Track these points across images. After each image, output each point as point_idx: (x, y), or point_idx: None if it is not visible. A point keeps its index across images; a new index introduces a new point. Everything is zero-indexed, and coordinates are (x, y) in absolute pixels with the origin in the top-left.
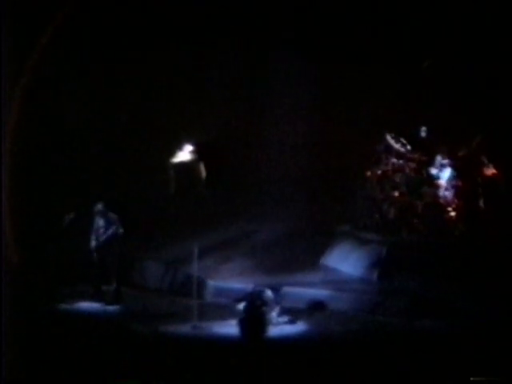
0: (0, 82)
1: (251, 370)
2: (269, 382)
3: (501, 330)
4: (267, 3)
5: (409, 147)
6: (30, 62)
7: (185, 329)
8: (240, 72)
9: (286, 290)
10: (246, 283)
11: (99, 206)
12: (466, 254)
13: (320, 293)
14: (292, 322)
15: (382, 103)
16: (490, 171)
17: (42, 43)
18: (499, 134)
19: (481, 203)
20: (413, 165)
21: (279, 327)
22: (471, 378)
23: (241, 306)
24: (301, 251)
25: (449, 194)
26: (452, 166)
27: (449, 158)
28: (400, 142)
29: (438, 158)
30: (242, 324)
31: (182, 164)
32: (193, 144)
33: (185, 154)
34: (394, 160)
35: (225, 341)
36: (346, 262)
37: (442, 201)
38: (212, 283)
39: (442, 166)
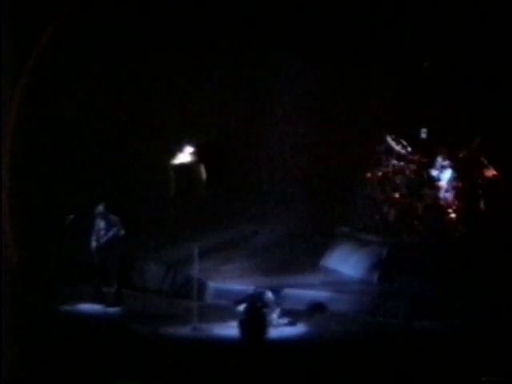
0: (0, 82)
1: (251, 372)
2: (269, 383)
3: (501, 330)
4: (267, 3)
5: (409, 149)
6: (29, 62)
7: (185, 330)
8: (240, 72)
9: (287, 291)
10: (246, 285)
11: (100, 208)
12: (466, 255)
13: (320, 294)
14: (292, 323)
15: (382, 104)
16: (491, 172)
17: (41, 43)
18: (499, 135)
19: (481, 205)
20: (413, 166)
21: (279, 329)
22: (482, 379)
23: (241, 307)
24: (301, 253)
25: (449, 196)
26: (452, 167)
27: (449, 159)
28: (400, 143)
29: (439, 160)
30: (243, 325)
31: (183, 165)
32: (193, 145)
33: (185, 156)
34: (395, 161)
35: (225, 342)
36: (347, 263)
37: (442, 202)
38: (212, 285)
39: (443, 168)
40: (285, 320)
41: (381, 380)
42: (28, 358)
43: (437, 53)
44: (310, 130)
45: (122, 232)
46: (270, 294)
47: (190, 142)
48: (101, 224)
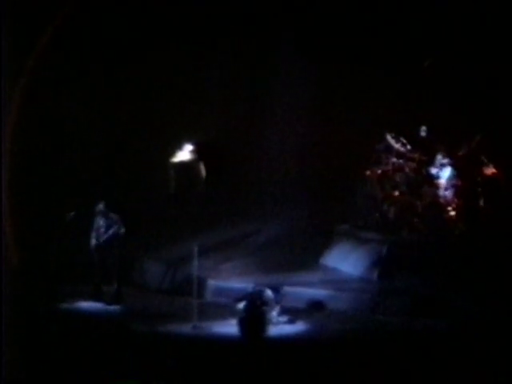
0: (0, 82)
1: (251, 370)
2: (269, 381)
3: (501, 328)
4: (267, 3)
5: (409, 147)
6: (29, 62)
7: (185, 328)
8: (240, 72)
9: (286, 289)
10: (246, 283)
11: (100, 206)
12: (466, 253)
13: (320, 292)
14: (292, 321)
15: (382, 103)
16: (490, 170)
17: (42, 43)
18: (499, 133)
19: (481, 202)
20: (413, 164)
21: (279, 327)
22: None
23: (241, 305)
24: (301, 251)
25: (449, 194)
26: (452, 165)
27: (449, 157)
28: (400, 141)
29: (438, 158)
30: (242, 323)
31: (182, 164)
32: (193, 144)
33: (185, 154)
34: (394, 159)
35: (225, 340)
36: (346, 261)
37: (442, 200)
38: (212, 283)
39: (442, 166)
40: (284, 318)
41: (381, 378)
42: (28, 357)
43: (437, 52)
44: (309, 128)
45: (123, 230)
46: (269, 292)
47: (189, 141)
48: (101, 222)
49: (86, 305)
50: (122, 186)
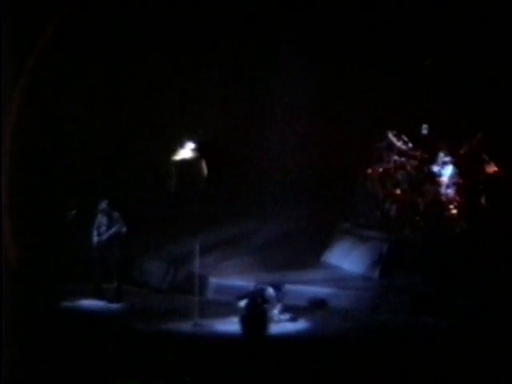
0: (0, 82)
1: (253, 368)
2: (270, 379)
3: (502, 327)
4: (267, 3)
5: (410, 145)
6: (29, 62)
7: (186, 326)
8: (240, 72)
9: (288, 287)
10: (247, 281)
11: (103, 205)
12: (467, 251)
13: (321, 290)
14: (293, 319)
15: (383, 101)
16: (492, 168)
17: (41, 43)
18: (500, 131)
19: (482, 200)
20: (414, 162)
21: (281, 325)
22: None
23: (242, 303)
24: (302, 249)
25: (450, 192)
26: (454, 163)
27: (450, 155)
28: (402, 139)
29: (440, 156)
30: (244, 321)
31: (184, 162)
32: (194, 142)
33: (186, 152)
34: (396, 157)
35: (226, 338)
36: (347, 259)
37: (443, 198)
38: (214, 281)
39: (444, 164)
40: (286, 316)
41: (382, 376)
42: (28, 357)
43: (437, 51)
44: (309, 128)
45: (124, 229)
46: (271, 290)
47: (191, 139)
48: (103, 220)
49: (86, 303)
50: (123, 185)
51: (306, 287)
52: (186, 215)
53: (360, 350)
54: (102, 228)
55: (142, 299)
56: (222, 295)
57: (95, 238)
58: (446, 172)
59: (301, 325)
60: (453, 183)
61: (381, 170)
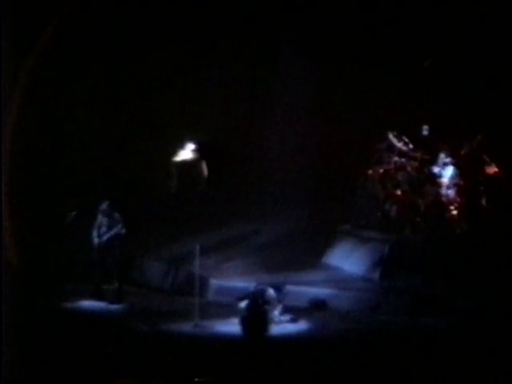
0: (0, 82)
1: (253, 369)
2: (271, 380)
3: (502, 328)
4: (267, 3)
5: (411, 146)
6: (29, 62)
7: (187, 327)
8: (240, 72)
9: (288, 288)
10: (248, 282)
11: (104, 206)
12: (468, 252)
13: (322, 291)
14: (294, 320)
15: (383, 102)
16: (492, 169)
17: (41, 43)
18: (501, 132)
19: (483, 201)
20: (415, 163)
21: (281, 326)
22: None
23: (243, 304)
24: (303, 250)
25: (451, 193)
26: (454, 164)
27: (451, 156)
28: (402, 140)
29: (441, 157)
30: (244, 322)
31: (184, 163)
32: (195, 143)
33: (187, 153)
34: (396, 158)
35: (227, 339)
36: (348, 260)
37: (444, 199)
38: (214, 282)
39: (445, 165)
40: (286, 317)
41: (382, 377)
42: (28, 357)
43: (437, 52)
44: (309, 128)
45: (124, 230)
46: (271, 291)
47: (191, 140)
48: (103, 221)
49: (86, 304)
50: (123, 186)
51: (306, 288)
52: (186, 216)
53: (361, 351)
54: (103, 229)
55: (142, 300)
56: (223, 296)
57: (96, 239)
58: (447, 173)
59: (301, 326)
60: (453, 184)
61: (381, 170)
